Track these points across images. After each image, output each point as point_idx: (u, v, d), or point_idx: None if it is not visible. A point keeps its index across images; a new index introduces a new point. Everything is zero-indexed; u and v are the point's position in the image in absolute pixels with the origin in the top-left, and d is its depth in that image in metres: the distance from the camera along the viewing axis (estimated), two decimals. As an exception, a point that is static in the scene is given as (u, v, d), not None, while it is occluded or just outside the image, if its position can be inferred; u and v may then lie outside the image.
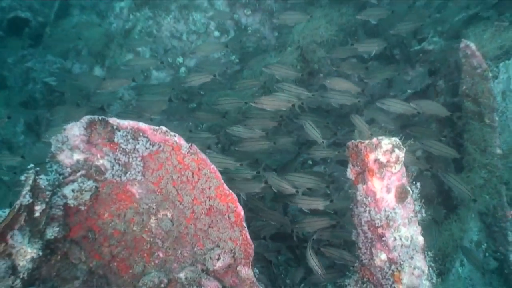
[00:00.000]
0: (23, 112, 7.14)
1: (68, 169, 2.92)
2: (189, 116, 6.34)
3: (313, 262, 3.45)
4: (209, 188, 2.70)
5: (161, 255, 3.11)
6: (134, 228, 3.07)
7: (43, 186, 2.60)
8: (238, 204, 2.68)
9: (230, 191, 2.67)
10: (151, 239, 3.07)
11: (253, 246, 2.75)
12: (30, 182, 2.49)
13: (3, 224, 2.32)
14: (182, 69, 6.62)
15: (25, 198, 2.43)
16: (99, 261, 3.24)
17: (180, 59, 6.60)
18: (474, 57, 4.27)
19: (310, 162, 5.85)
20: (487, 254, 5.15)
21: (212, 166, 2.65)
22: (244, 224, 2.71)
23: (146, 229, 3.05)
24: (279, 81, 4.98)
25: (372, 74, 5.45)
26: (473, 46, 4.26)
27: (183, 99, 6.68)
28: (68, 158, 2.91)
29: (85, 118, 2.87)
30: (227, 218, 2.73)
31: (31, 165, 2.61)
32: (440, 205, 4.78)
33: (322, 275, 3.47)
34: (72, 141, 2.89)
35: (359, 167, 2.77)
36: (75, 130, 2.89)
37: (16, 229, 2.44)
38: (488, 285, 5.02)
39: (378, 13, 5.28)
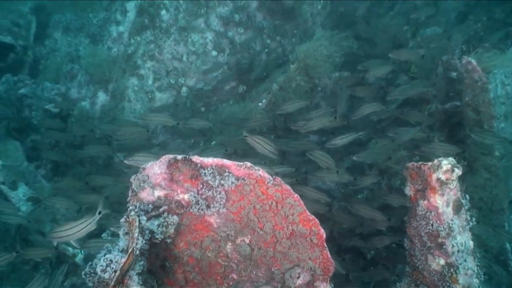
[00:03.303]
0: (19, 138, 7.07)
1: (150, 205, 3.10)
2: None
3: None
4: (293, 215, 2.97)
5: (234, 277, 3.35)
6: (209, 255, 3.29)
7: (144, 226, 2.78)
8: (320, 227, 2.97)
9: (313, 216, 2.95)
10: (226, 263, 3.30)
11: (333, 263, 3.05)
12: (137, 224, 2.67)
13: (125, 268, 2.50)
14: (184, 89, 6.78)
15: (138, 240, 2.61)
16: (172, 287, 3.44)
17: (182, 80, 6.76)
18: (475, 72, 4.78)
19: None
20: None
21: (296, 195, 2.92)
22: (325, 245, 3.00)
23: (221, 254, 3.28)
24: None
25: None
26: (474, 62, 4.77)
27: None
28: (150, 195, 3.10)
29: (166, 157, 3.06)
30: (309, 241, 3.02)
31: (132, 207, 2.78)
32: None
33: None
34: (153, 179, 3.08)
35: (420, 185, 3.13)
36: (155, 169, 3.09)
37: (130, 270, 2.62)
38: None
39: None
